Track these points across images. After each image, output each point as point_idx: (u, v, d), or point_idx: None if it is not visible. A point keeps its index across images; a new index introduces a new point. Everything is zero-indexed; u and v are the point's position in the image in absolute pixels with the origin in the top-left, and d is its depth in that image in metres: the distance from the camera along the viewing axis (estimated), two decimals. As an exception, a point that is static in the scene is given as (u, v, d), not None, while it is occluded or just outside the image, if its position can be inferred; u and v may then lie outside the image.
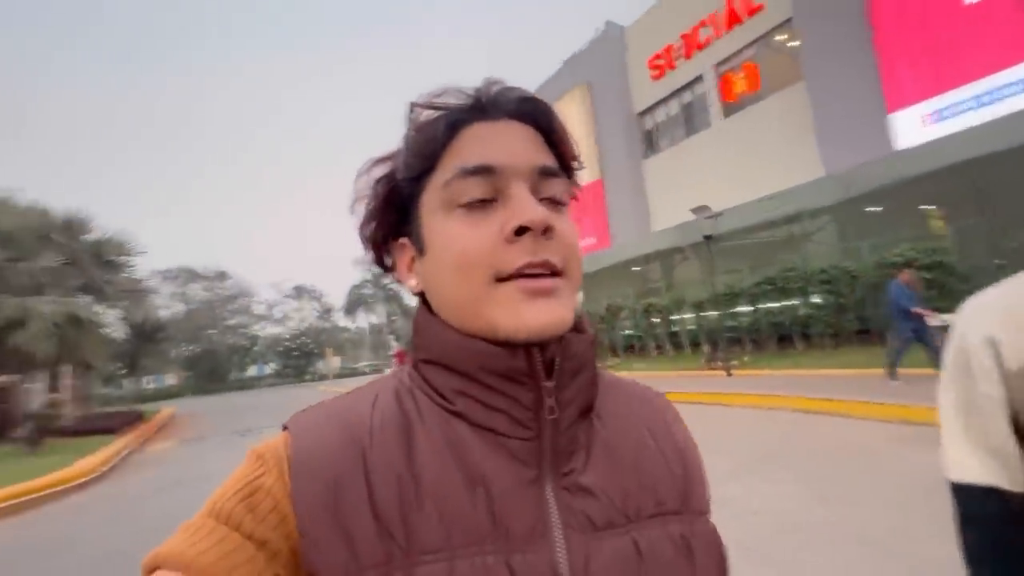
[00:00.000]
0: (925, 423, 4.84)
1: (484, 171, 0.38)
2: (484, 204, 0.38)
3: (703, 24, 17.48)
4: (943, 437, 0.63)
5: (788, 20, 14.79)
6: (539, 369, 0.37)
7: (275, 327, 47.39)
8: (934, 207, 10.90)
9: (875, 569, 2.50)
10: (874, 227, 11.16)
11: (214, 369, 40.45)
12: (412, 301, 0.46)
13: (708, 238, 10.95)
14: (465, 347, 0.39)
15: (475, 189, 0.38)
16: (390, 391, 0.42)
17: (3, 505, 5.54)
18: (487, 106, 0.41)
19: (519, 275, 0.37)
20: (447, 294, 0.39)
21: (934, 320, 6.16)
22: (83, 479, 6.75)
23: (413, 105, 0.42)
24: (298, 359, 44.53)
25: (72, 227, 13.81)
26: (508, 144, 0.39)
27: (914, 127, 11.71)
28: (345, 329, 49.48)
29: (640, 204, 20.71)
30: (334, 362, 41.13)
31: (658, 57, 19.60)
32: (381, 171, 0.44)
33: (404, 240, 0.44)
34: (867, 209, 11.56)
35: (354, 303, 43.80)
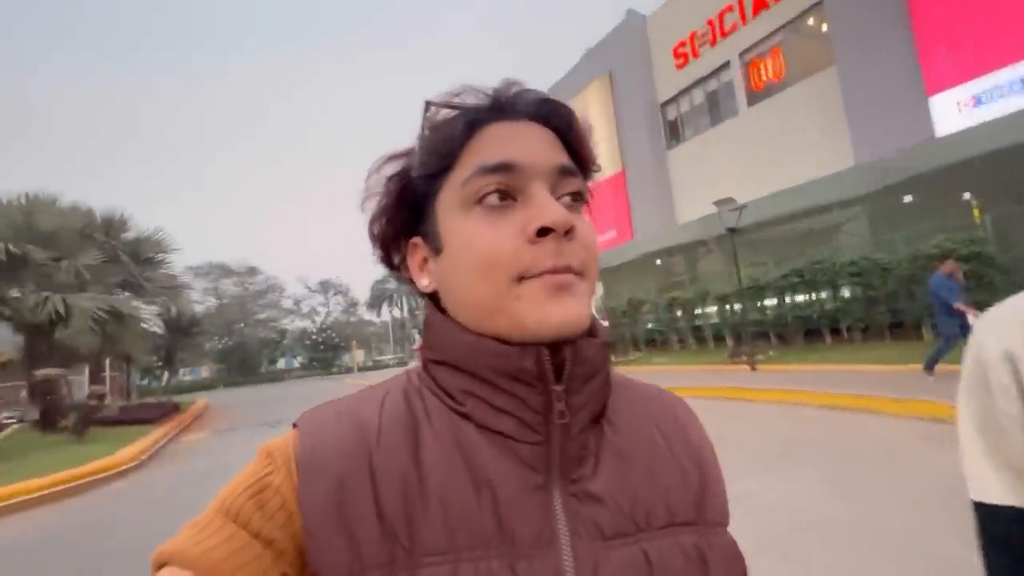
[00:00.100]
0: (955, 422, 4.68)
1: (504, 168, 0.38)
2: (503, 203, 0.38)
3: (728, 9, 17.02)
4: (963, 454, 0.62)
5: (818, 3, 14.27)
6: (548, 372, 0.37)
7: (302, 321, 48.61)
8: (973, 196, 10.42)
9: (892, 569, 2.46)
10: (908, 217, 10.75)
11: (245, 361, 41.78)
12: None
13: (732, 231, 10.74)
14: (475, 347, 0.38)
15: (495, 187, 0.38)
16: (399, 391, 0.42)
17: (53, 490, 5.91)
18: (506, 106, 0.41)
19: (540, 275, 0.36)
20: (464, 293, 0.39)
21: (974, 318, 5.91)
22: (124, 467, 7.12)
23: (429, 104, 0.41)
24: (324, 352, 45.62)
25: (111, 226, 14.42)
26: (528, 144, 0.39)
27: (952, 112, 11.18)
28: (370, 323, 50.40)
29: (663, 196, 20.39)
30: (359, 355, 41.99)
31: (682, 45, 19.18)
32: (393, 169, 0.43)
33: (417, 239, 0.43)
34: (901, 199, 11.14)
35: (378, 297, 44.52)
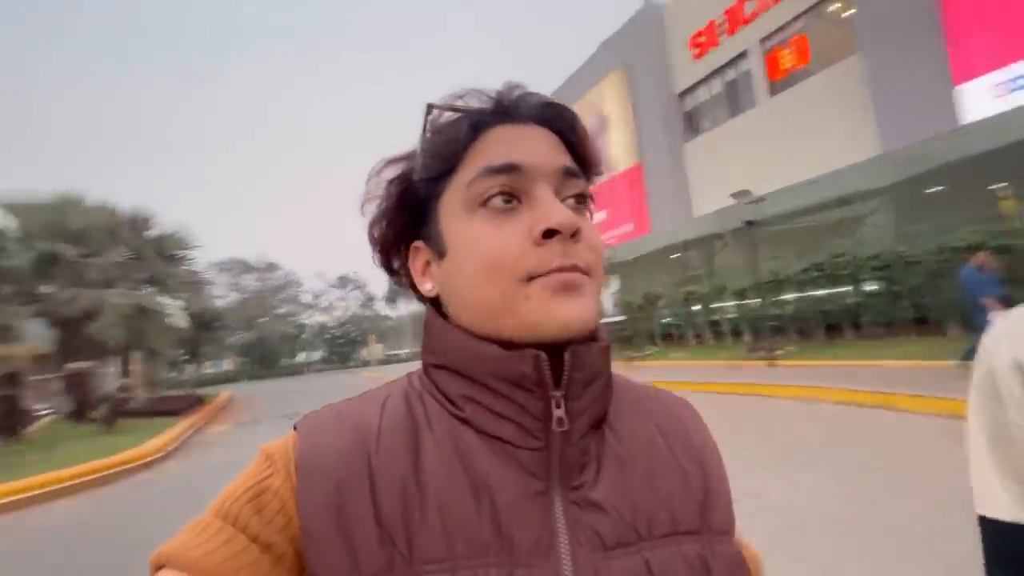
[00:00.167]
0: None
1: (510, 170, 0.38)
2: (508, 206, 0.38)
3: (748, -3, 16.67)
4: (971, 466, 0.60)
5: (841, -12, 13.87)
6: (547, 377, 0.36)
7: (321, 315, 49.36)
8: (1004, 186, 10.06)
9: (909, 568, 2.43)
10: (935, 209, 10.44)
11: (266, 355, 42.65)
12: None
13: (750, 224, 10.57)
14: (474, 351, 0.38)
15: (500, 188, 0.38)
16: (400, 394, 0.42)
17: (85, 480, 6.16)
18: (509, 109, 0.41)
19: (547, 275, 0.36)
20: (469, 296, 0.39)
21: (996, 315, 5.74)
22: (151, 458, 7.37)
23: (431, 106, 0.41)
24: (343, 346, 46.31)
25: (136, 224, 14.87)
26: (532, 146, 0.39)
27: (983, 99, 10.78)
28: (387, 317, 50.91)
29: (680, 189, 20.13)
30: (377, 349, 42.53)
31: (699, 34, 18.84)
32: (393, 172, 0.43)
33: (419, 243, 0.43)
34: (928, 190, 10.82)
35: (395, 292, 44.60)
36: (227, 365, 42.52)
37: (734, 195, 11.14)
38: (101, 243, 13.44)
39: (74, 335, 12.78)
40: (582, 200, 0.41)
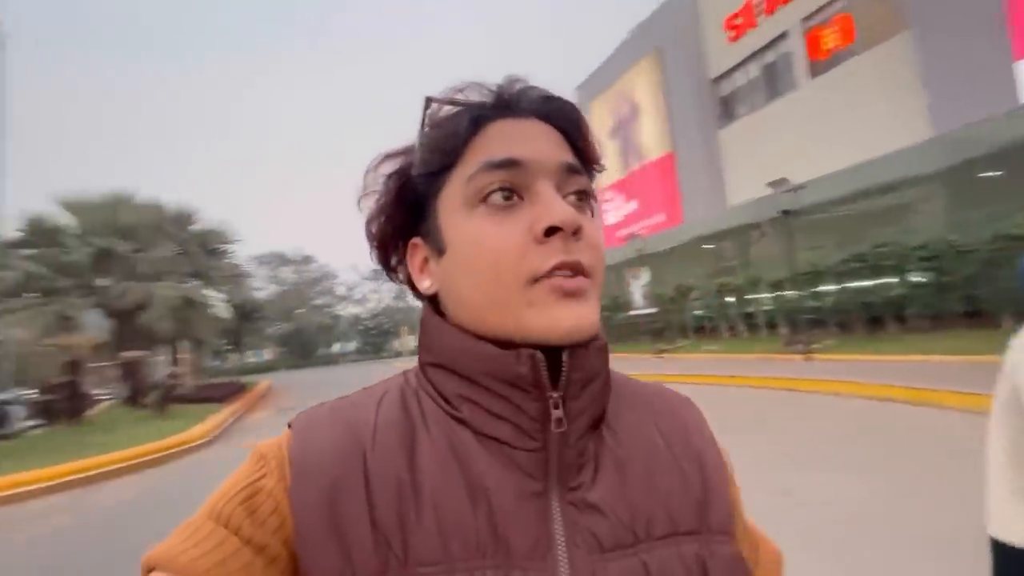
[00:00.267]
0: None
1: (511, 165, 0.37)
2: (509, 202, 0.37)
3: (788, -25, 15.95)
4: (987, 486, 0.58)
5: (889, -38, 13.10)
6: (544, 378, 0.36)
7: (355, 307, 50.59)
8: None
9: (940, 569, 2.36)
10: (990, 195, 9.81)
11: (303, 346, 44.09)
12: None
13: (787, 213, 10.23)
14: (472, 351, 0.37)
15: (500, 184, 0.37)
16: (396, 392, 0.41)
17: (140, 460, 6.60)
18: (511, 103, 0.40)
19: (550, 275, 0.35)
20: (468, 294, 0.38)
21: None
22: (198, 442, 7.82)
23: (430, 100, 0.40)
24: (376, 337, 47.43)
25: (181, 220, 15.63)
26: (534, 141, 0.38)
27: (1047, 76, 10.04)
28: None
29: (714, 178, 19.58)
30: (409, 340, 43.35)
31: (736, 16, 18.16)
32: (391, 166, 0.42)
33: (417, 240, 0.42)
34: (982, 175, 10.17)
35: (427, 284, 45.29)
36: (267, 355, 44.18)
37: (771, 184, 10.78)
38: (150, 239, 14.21)
39: (128, 325, 13.60)
40: (584, 197, 0.40)
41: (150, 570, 0.33)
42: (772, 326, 13.56)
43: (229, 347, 28.26)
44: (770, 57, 17.50)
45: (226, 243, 17.01)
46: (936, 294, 9.88)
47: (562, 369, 0.36)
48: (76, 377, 10.34)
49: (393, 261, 0.45)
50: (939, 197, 11.16)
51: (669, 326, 16.34)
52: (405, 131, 0.43)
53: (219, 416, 10.26)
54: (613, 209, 28.36)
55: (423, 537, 0.34)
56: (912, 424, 4.94)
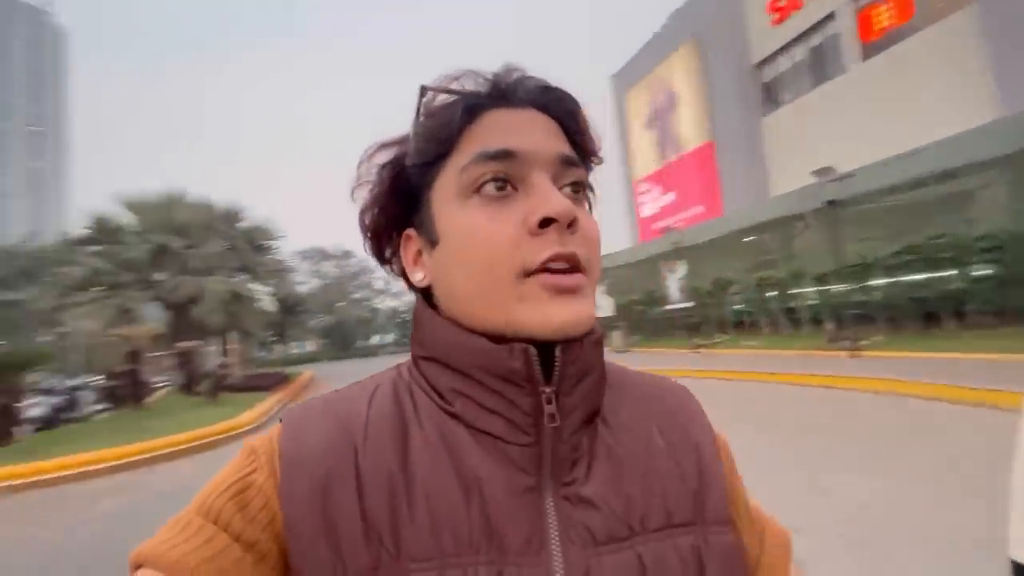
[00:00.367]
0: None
1: (505, 155, 0.36)
2: (503, 193, 0.36)
3: (837, -49, 15.15)
4: (1012, 507, 0.56)
5: (951, -69, 12.22)
6: (537, 373, 0.35)
7: (392, 300, 51.75)
8: None
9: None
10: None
11: (344, 337, 45.55)
12: None
13: (833, 203, 9.77)
14: (464, 344, 0.37)
15: (494, 174, 0.36)
16: (389, 386, 0.41)
17: (194, 444, 7.05)
18: (507, 92, 0.39)
19: (544, 270, 0.35)
20: (460, 287, 0.37)
21: None
22: (246, 428, 8.26)
23: (425, 89, 0.39)
24: (413, 330, 48.40)
25: (230, 217, 16.40)
26: (530, 131, 0.38)
27: None
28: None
29: (756, 167, 18.91)
30: (444, 333, 43.87)
31: (780, -2, 17.44)
32: (386, 156, 0.42)
33: (411, 231, 0.42)
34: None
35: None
36: (310, 346, 45.87)
37: (815, 172, 10.31)
38: (201, 235, 15.00)
39: (182, 317, 14.45)
40: (580, 189, 0.39)
41: (138, 566, 0.33)
42: (816, 322, 13.02)
43: (274, 339, 29.56)
44: (817, 39, 16.69)
45: (271, 239, 17.73)
46: (999, 288, 9.23)
47: (555, 364, 0.36)
48: (137, 365, 11.09)
49: (388, 253, 0.44)
50: (1003, 184, 10.38)
51: (706, 321, 15.94)
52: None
53: (266, 404, 10.78)
54: (649, 201, 27.80)
55: (415, 532, 0.33)
56: (968, 427, 4.68)
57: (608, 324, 17.25)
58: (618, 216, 30.83)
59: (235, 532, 0.33)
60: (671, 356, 13.19)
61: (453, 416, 0.38)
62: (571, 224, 0.35)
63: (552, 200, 0.35)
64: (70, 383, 15.02)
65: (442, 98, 0.39)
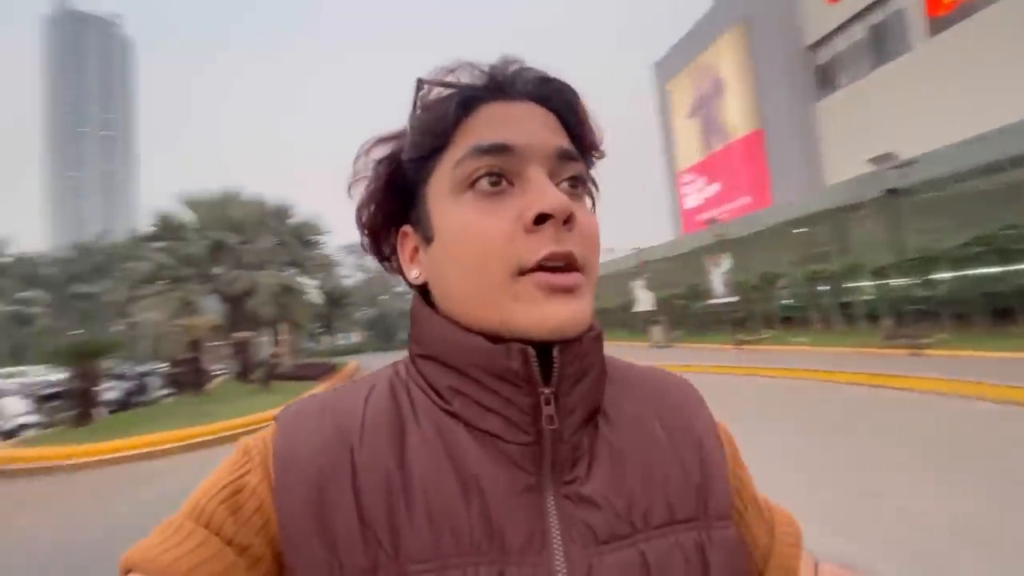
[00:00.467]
0: None
1: (500, 150, 0.35)
2: (498, 188, 0.35)
3: (901, -79, 14.12)
4: None
5: None
6: (535, 373, 0.35)
7: (432, 293, 52.88)
8: None
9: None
10: None
11: (387, 329, 46.88)
12: None
13: (894, 192, 9.19)
14: (462, 343, 0.36)
15: (489, 169, 0.35)
16: (386, 384, 0.40)
17: (249, 429, 7.48)
18: (504, 85, 0.38)
19: (539, 268, 0.34)
20: (456, 285, 0.37)
21: None
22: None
23: (421, 82, 0.38)
24: (453, 322, 49.23)
25: (280, 214, 17.19)
26: (526, 125, 0.37)
27: None
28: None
29: (809, 155, 18.00)
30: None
31: (836, -26, 16.46)
32: (382, 151, 0.41)
33: (407, 228, 0.41)
34: None
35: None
36: (355, 338, 47.45)
37: (874, 160, 9.71)
38: (254, 231, 15.83)
39: (238, 309, 15.31)
40: (579, 184, 0.38)
41: (128, 571, 0.32)
42: (872, 318, 12.32)
43: (321, 330, 30.83)
44: (878, 16, 15.64)
45: (318, 234, 18.46)
46: (1084, 283, 8.45)
47: (553, 364, 0.35)
48: (198, 354, 11.86)
49: (386, 250, 0.43)
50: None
51: (752, 316, 15.38)
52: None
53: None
54: (693, 192, 27.00)
55: (414, 533, 0.32)
56: (1040, 432, 4.34)
57: (649, 319, 16.94)
58: (660, 207, 30.10)
59: (227, 536, 0.33)
60: (713, 352, 12.82)
61: (451, 415, 0.37)
62: (567, 221, 0.34)
63: (548, 196, 0.34)
64: (140, 369, 16.22)
65: (438, 91, 0.38)
